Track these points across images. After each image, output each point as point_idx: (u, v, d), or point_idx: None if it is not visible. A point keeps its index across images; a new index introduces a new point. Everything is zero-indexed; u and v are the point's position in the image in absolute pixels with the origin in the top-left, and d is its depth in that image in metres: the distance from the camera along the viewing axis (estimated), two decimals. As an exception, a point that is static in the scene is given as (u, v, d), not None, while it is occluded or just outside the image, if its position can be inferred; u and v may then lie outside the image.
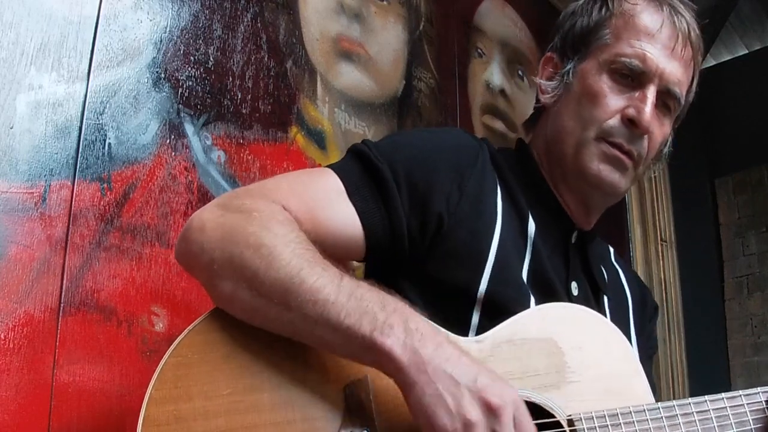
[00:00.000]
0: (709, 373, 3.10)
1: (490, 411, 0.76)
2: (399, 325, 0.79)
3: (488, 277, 0.98)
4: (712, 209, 3.54)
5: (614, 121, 1.08)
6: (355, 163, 1.00)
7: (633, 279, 1.29)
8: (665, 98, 1.11)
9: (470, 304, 0.98)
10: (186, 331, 0.85)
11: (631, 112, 1.07)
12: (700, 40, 1.14)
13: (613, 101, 1.08)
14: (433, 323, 0.84)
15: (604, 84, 1.09)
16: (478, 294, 0.97)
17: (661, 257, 3.00)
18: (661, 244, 3.01)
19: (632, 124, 1.07)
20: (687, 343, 2.99)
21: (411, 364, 0.77)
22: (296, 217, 0.91)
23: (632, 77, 1.09)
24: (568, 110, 1.12)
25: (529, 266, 1.04)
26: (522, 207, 1.08)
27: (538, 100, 1.20)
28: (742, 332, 3.29)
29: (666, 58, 1.09)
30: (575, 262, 1.12)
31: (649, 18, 1.10)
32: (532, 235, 1.06)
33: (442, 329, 0.86)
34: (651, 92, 1.08)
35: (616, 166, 1.08)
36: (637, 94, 1.08)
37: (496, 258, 0.99)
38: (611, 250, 1.31)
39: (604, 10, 1.13)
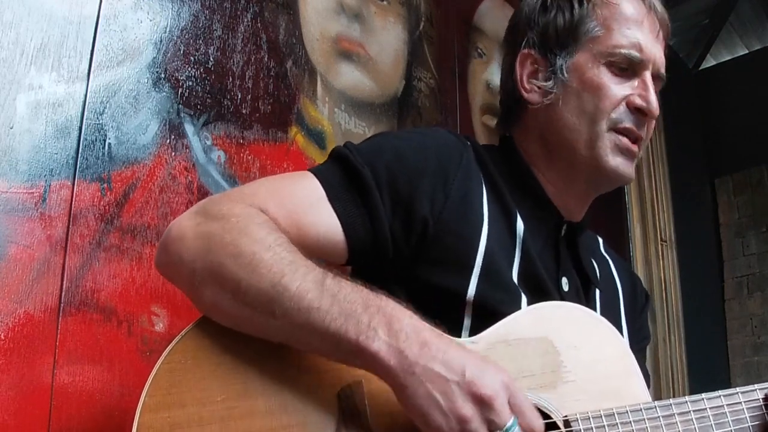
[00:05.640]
0: (709, 373, 3.10)
1: (482, 403, 0.77)
2: (383, 327, 0.79)
3: (476, 280, 0.98)
4: (712, 209, 3.54)
5: (621, 108, 1.09)
6: (336, 167, 0.99)
7: (623, 269, 1.28)
8: (654, 82, 1.13)
9: (461, 307, 0.97)
10: (178, 337, 0.85)
11: (638, 101, 1.09)
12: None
13: (617, 90, 1.09)
14: (417, 317, 0.83)
15: (604, 76, 1.10)
16: (468, 298, 0.97)
17: (661, 257, 2.99)
18: (661, 244, 3.01)
19: (639, 112, 1.09)
20: (687, 343, 2.99)
21: (398, 367, 0.78)
22: (275, 219, 0.90)
23: (629, 67, 1.10)
24: (568, 107, 1.11)
25: (519, 265, 1.04)
26: (509, 205, 1.07)
27: (511, 97, 1.18)
28: (742, 332, 3.29)
29: (653, 43, 1.12)
30: (565, 256, 1.12)
31: (631, 5, 1.12)
32: (521, 233, 1.06)
33: (426, 324, 0.85)
34: (649, 78, 1.10)
35: (629, 157, 1.10)
36: (636, 82, 1.10)
37: (483, 261, 0.99)
38: (600, 240, 1.30)
39: (585, 1, 1.13)
